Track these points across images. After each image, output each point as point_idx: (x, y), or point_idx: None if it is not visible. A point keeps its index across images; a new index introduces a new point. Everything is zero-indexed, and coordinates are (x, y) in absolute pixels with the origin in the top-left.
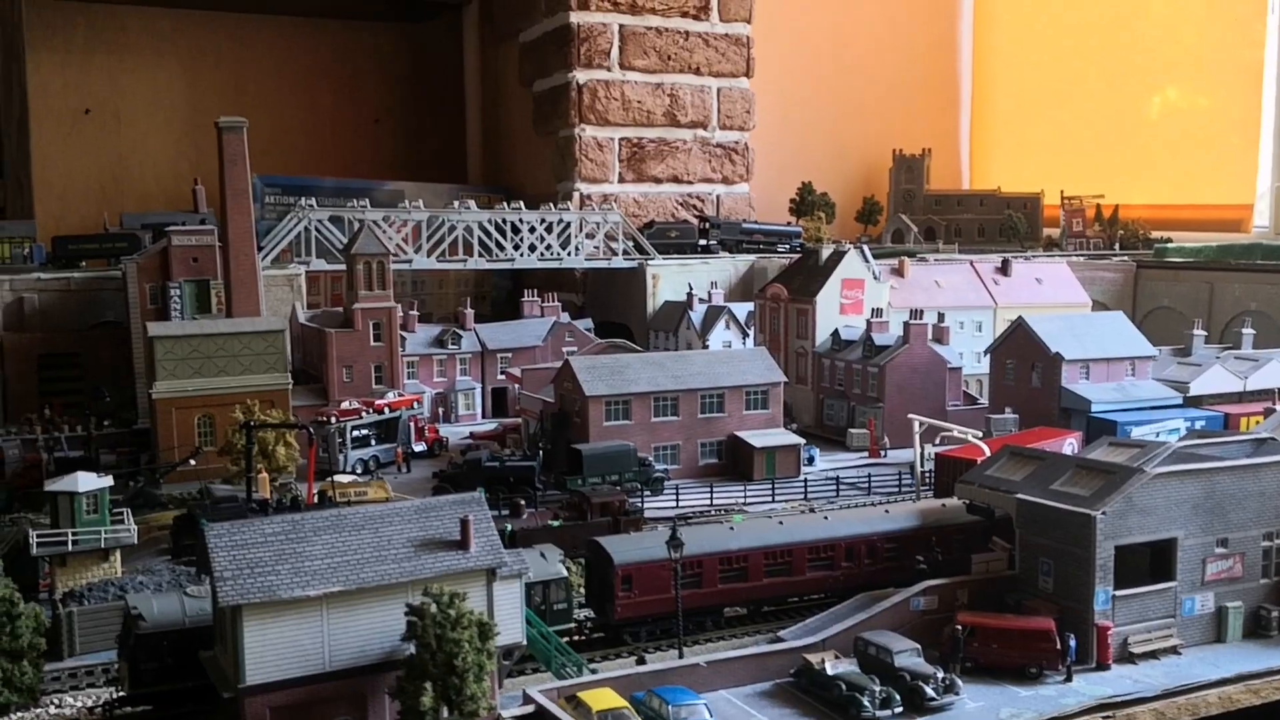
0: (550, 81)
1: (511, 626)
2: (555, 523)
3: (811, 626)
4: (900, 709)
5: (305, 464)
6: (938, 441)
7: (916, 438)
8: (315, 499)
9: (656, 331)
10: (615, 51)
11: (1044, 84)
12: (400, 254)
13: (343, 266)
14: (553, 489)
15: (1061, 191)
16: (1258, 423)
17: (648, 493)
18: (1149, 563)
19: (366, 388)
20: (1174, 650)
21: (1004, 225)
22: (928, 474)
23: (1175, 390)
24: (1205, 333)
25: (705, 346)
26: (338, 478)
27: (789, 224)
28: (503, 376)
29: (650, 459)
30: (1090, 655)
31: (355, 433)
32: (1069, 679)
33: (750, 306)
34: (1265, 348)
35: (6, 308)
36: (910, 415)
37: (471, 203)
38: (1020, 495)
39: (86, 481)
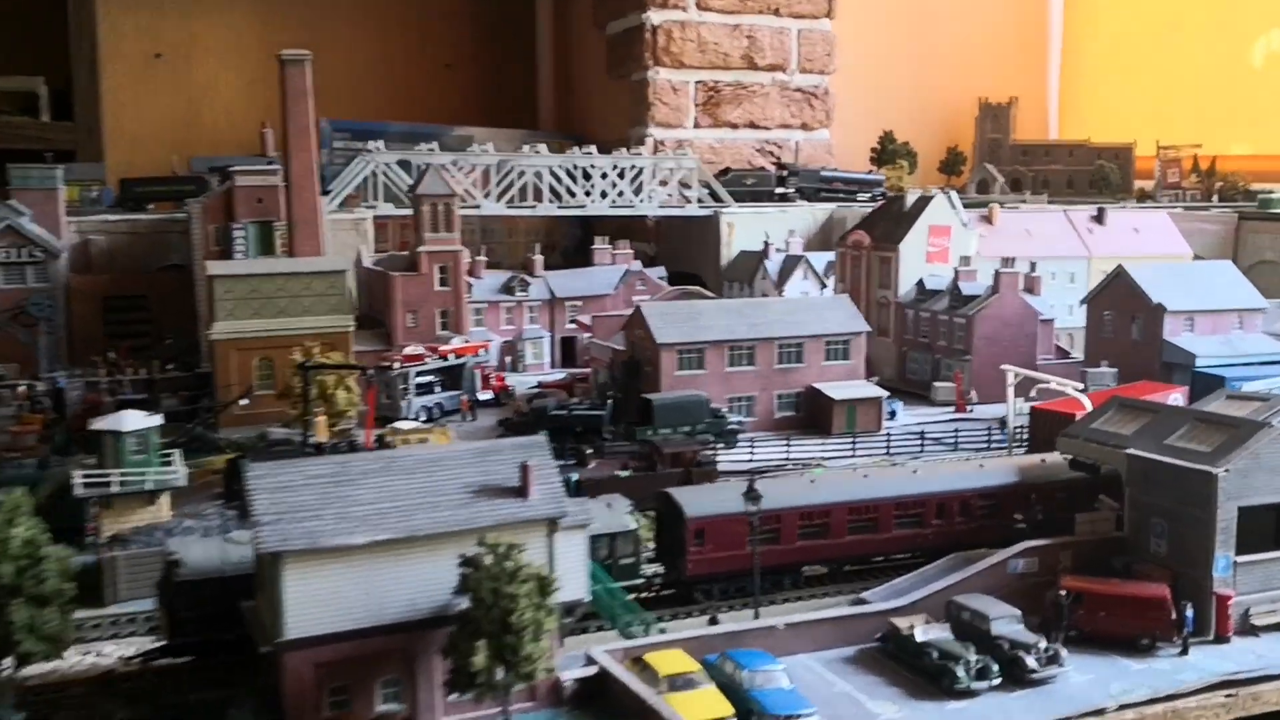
0: (624, 23)
1: (574, 581)
2: (624, 473)
3: (899, 588)
4: (998, 680)
5: (365, 409)
6: (1033, 395)
7: (1010, 389)
8: (374, 445)
9: (731, 282)
10: None
11: (1138, 29)
12: (468, 199)
13: (410, 211)
14: (622, 439)
15: (1157, 142)
16: None
17: (721, 445)
18: (1275, 526)
19: (431, 334)
20: None
21: (1094, 176)
22: (1020, 431)
23: None
24: None
25: (782, 296)
26: (399, 424)
27: (870, 173)
28: (572, 325)
29: (724, 410)
30: (1208, 626)
31: (419, 379)
32: (1185, 652)
33: (829, 257)
34: None
35: (73, 249)
36: (1004, 365)
37: (542, 147)
38: (1131, 450)
39: (133, 420)
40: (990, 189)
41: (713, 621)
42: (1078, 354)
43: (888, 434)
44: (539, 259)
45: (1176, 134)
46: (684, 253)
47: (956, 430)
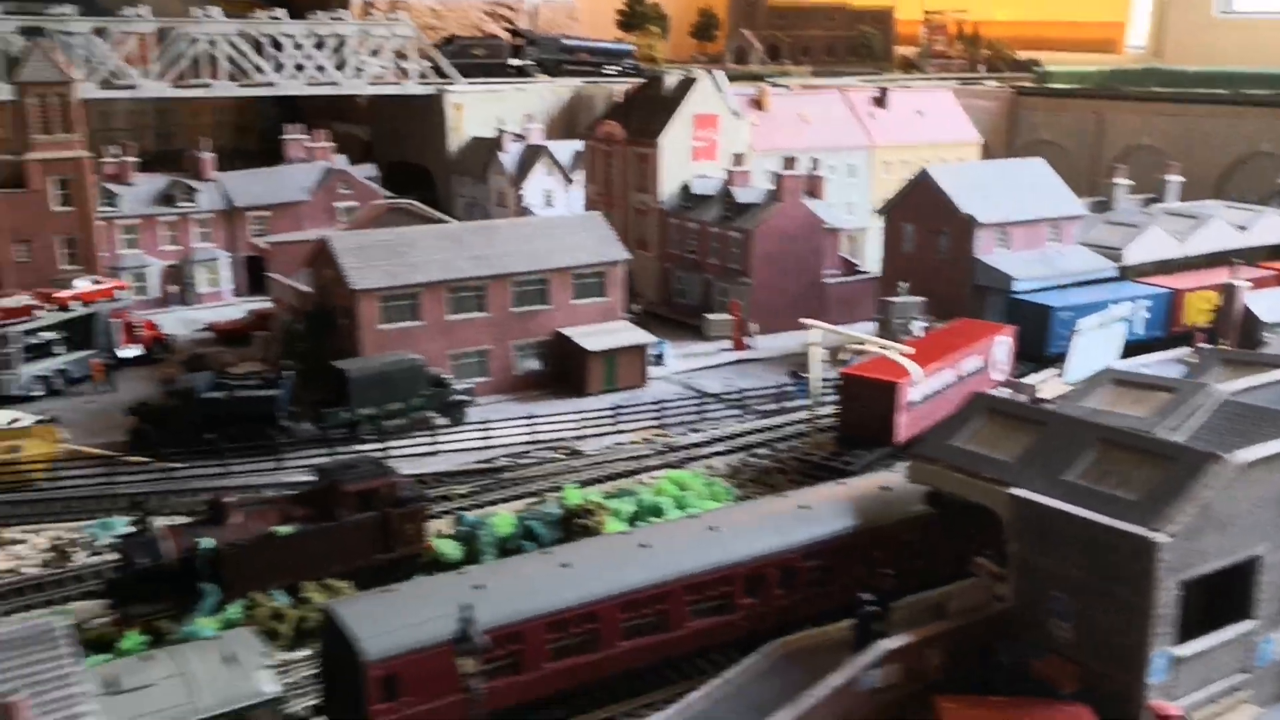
0: None
1: None
2: (284, 530)
3: (698, 713)
4: None
5: None
6: (839, 356)
7: (814, 351)
8: None
9: (460, 176)
10: None
11: None
12: (120, 77)
13: None
14: (307, 426)
15: (923, 8)
16: (1208, 301)
17: (444, 422)
18: (1207, 595)
19: (52, 271)
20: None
21: (857, 43)
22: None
23: (1107, 259)
24: (1182, 179)
25: (521, 198)
26: None
27: (618, 41)
28: (259, 243)
29: (446, 376)
30: None
31: (29, 339)
32: None
33: (575, 146)
34: (1147, 191)
35: None
36: (805, 321)
37: (216, 10)
38: (1017, 491)
39: None
40: (748, 58)
41: None
42: (865, 265)
43: (660, 404)
44: (208, 157)
45: None
46: (405, 139)
47: (741, 392)
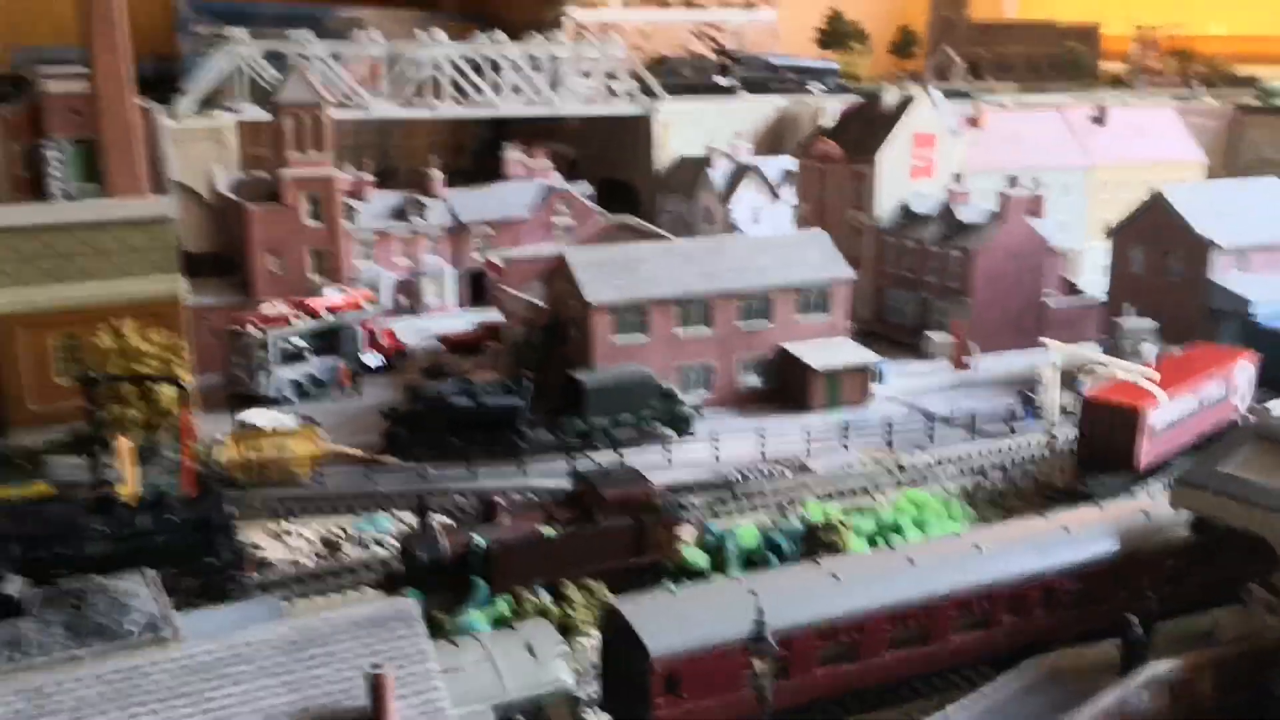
0: None
1: None
2: (549, 532)
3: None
4: None
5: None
6: (1080, 377)
7: (1050, 372)
8: (194, 479)
9: (666, 192)
10: None
11: None
12: (351, 100)
13: None
14: (545, 433)
15: (1134, 23)
16: None
17: (672, 435)
18: None
19: (301, 281)
20: None
21: (1062, 59)
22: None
23: None
24: None
25: (729, 214)
26: (250, 415)
27: (821, 59)
28: (480, 257)
29: (675, 390)
30: None
31: (284, 345)
32: None
33: (782, 163)
34: None
35: None
36: (1046, 340)
37: (442, 34)
38: None
39: None
40: (950, 75)
41: None
42: (1087, 288)
43: (889, 424)
44: (437, 175)
45: (1145, 13)
46: (610, 157)
47: (974, 415)
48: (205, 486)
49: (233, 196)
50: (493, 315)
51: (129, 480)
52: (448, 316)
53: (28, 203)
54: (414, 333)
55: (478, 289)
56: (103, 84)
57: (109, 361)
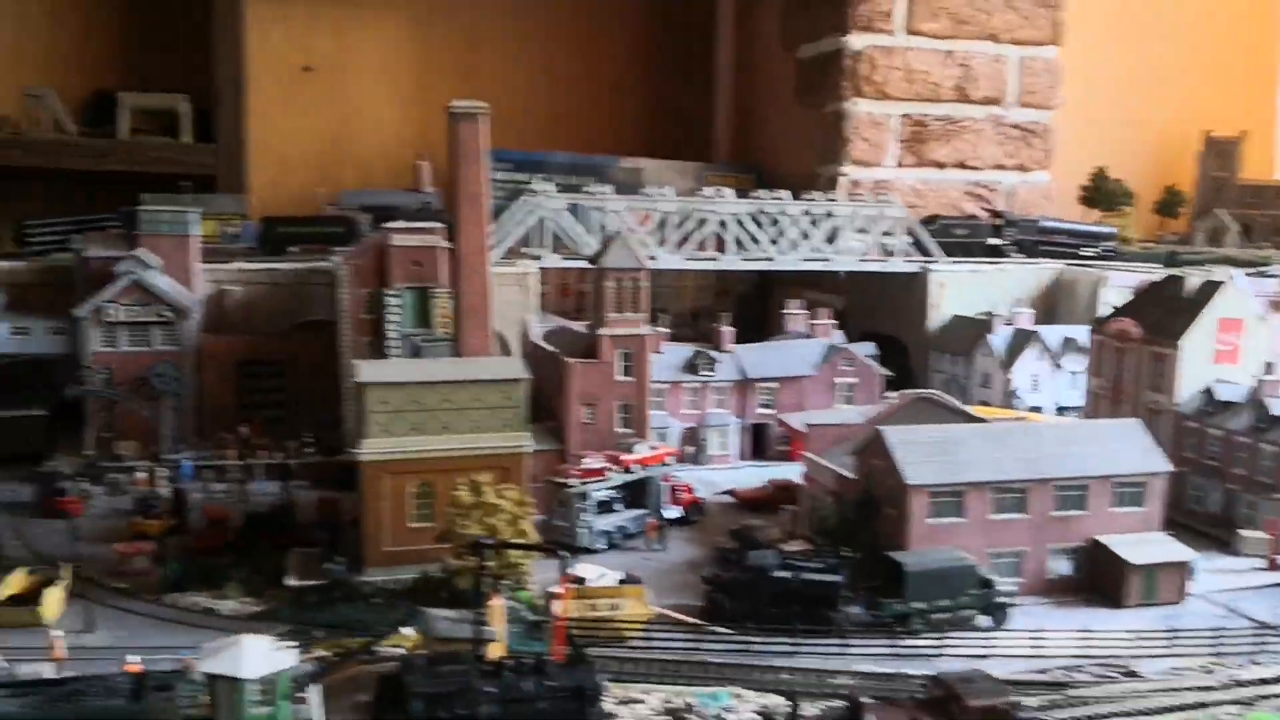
0: (819, 46)
1: None
2: None
3: None
4: None
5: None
6: None
7: None
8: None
9: (939, 352)
10: (900, 13)
11: None
12: (645, 250)
13: (579, 263)
14: (862, 611)
15: None
16: None
17: (985, 621)
18: None
19: (609, 432)
20: None
21: None
22: None
23: None
24: None
25: (1009, 381)
26: (579, 570)
27: (1097, 222)
28: (766, 410)
29: (991, 576)
30: None
31: (599, 496)
32: None
33: (1065, 331)
34: None
35: (206, 302)
36: None
37: (729, 192)
38: None
39: (254, 660)
40: (1223, 240)
41: None
42: None
43: (1219, 631)
44: (727, 330)
45: None
46: (879, 311)
47: None
48: (576, 651)
49: (548, 347)
50: (778, 471)
51: (501, 640)
52: (730, 468)
53: (378, 353)
54: (699, 483)
55: (758, 442)
56: (467, 254)
57: (469, 516)
